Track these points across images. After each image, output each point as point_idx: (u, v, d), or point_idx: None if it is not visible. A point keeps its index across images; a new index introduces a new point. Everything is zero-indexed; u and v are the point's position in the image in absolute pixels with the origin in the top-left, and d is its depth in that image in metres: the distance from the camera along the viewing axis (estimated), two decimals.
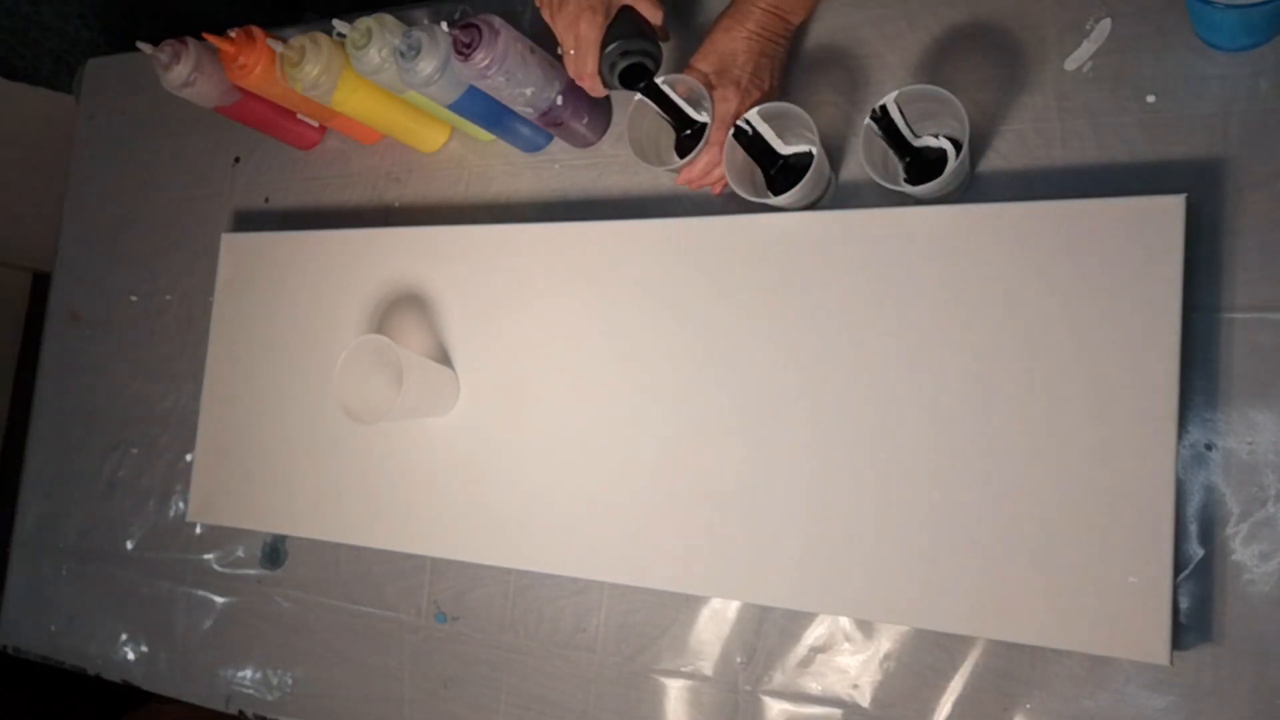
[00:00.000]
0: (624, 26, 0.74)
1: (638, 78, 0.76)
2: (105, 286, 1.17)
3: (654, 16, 0.76)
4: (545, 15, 0.76)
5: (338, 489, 0.93)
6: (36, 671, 1.17)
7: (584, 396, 0.84)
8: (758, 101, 0.77)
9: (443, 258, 0.92)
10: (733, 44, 0.77)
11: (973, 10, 0.78)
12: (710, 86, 0.76)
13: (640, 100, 0.80)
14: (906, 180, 0.75)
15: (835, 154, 0.81)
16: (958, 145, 0.73)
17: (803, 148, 0.79)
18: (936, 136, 0.74)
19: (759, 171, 0.80)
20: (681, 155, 0.80)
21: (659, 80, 0.77)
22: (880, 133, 0.72)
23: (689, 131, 0.82)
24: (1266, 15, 0.64)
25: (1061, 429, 0.68)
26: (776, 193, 0.77)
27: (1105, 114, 0.73)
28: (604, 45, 0.74)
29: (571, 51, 0.75)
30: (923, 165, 0.75)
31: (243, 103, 0.97)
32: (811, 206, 0.80)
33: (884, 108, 0.71)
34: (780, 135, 0.78)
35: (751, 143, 0.77)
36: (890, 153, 0.75)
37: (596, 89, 0.77)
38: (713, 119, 0.75)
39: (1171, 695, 0.66)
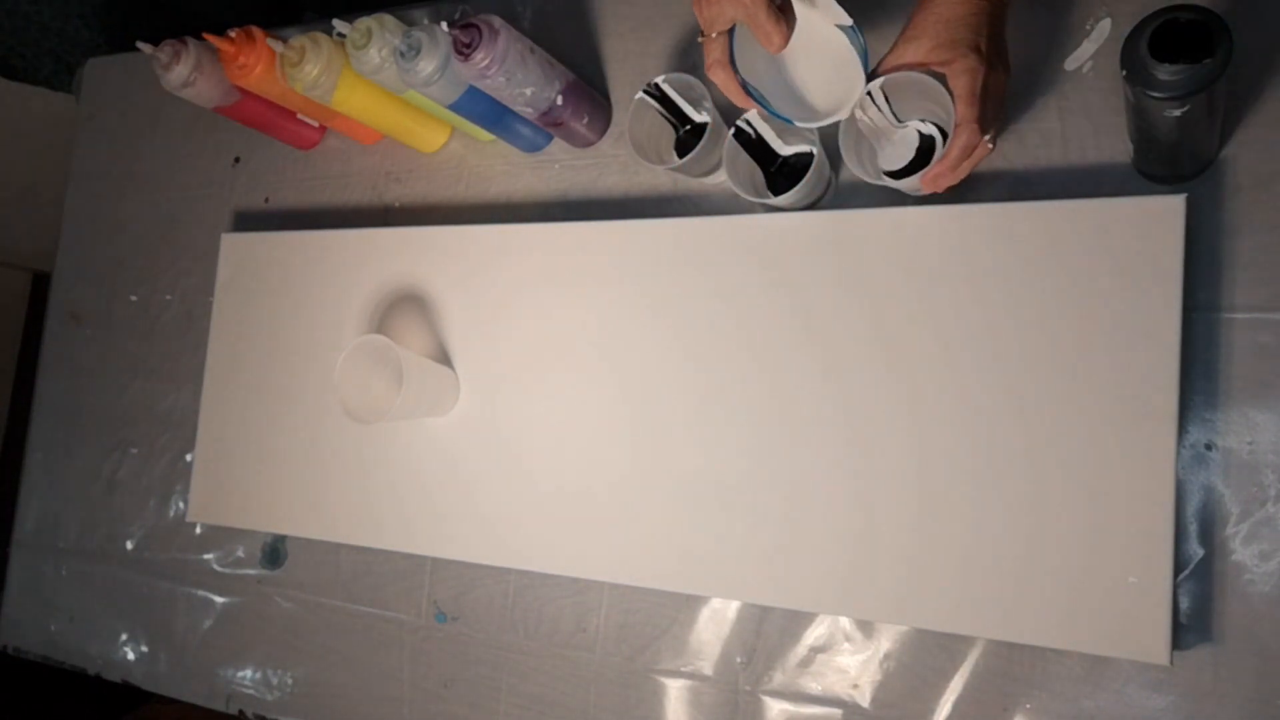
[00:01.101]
0: None
1: None
2: (105, 286, 1.17)
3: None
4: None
5: (338, 489, 0.93)
6: (36, 671, 1.17)
7: (584, 396, 0.84)
8: (1008, 75, 0.66)
9: (443, 258, 0.92)
10: (955, 9, 0.63)
11: None
12: (944, 64, 0.63)
13: (640, 99, 0.80)
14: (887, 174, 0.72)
15: (835, 154, 0.81)
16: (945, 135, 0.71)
17: (803, 148, 0.79)
18: (924, 122, 0.72)
19: (759, 172, 0.80)
20: (681, 154, 0.80)
21: (660, 79, 0.76)
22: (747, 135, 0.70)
23: (688, 128, 0.82)
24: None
25: (1061, 429, 0.68)
26: (777, 193, 0.77)
27: (1105, 114, 0.73)
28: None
29: (714, 37, 0.64)
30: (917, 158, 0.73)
31: (243, 103, 0.97)
32: (812, 206, 0.80)
33: (869, 94, 0.67)
34: (780, 135, 0.78)
35: (751, 143, 0.77)
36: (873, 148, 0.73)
37: (737, 95, 0.67)
38: (957, 98, 0.63)
39: (1171, 695, 0.66)
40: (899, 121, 0.72)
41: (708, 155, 0.78)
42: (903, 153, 0.73)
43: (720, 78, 0.65)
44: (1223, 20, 0.55)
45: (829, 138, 0.75)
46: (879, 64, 0.67)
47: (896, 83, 0.67)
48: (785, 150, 0.79)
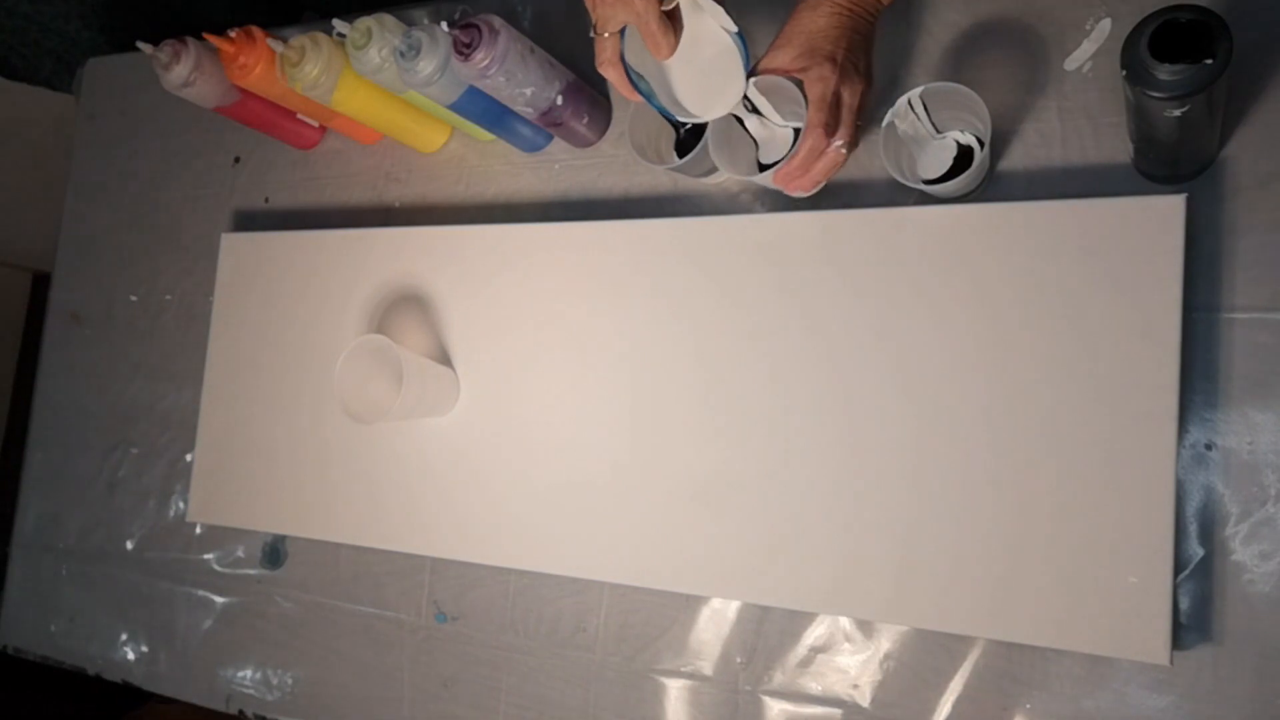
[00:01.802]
0: None
1: None
2: (105, 286, 1.17)
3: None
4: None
5: (338, 489, 0.93)
6: (36, 671, 1.17)
7: (584, 396, 0.84)
8: (865, 87, 0.70)
9: (443, 258, 0.92)
10: (818, 21, 0.68)
11: (972, 10, 0.78)
12: (801, 71, 0.68)
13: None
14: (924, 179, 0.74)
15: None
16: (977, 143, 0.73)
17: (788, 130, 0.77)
18: (963, 132, 0.74)
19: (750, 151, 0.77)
20: (681, 155, 0.80)
21: (903, 100, 0.71)
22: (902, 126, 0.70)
23: (688, 128, 0.82)
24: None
25: (1061, 429, 0.68)
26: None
27: (1105, 114, 0.73)
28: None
29: (607, 36, 0.67)
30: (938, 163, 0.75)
31: (243, 103, 0.97)
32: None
33: (908, 104, 0.70)
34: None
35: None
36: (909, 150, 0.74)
37: (626, 89, 0.70)
38: (809, 102, 0.67)
39: (1171, 695, 0.66)
40: (938, 131, 0.74)
41: (708, 155, 0.78)
42: (944, 159, 0.75)
43: (610, 74, 0.69)
44: (1223, 20, 0.55)
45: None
46: (754, 66, 0.70)
47: (932, 93, 0.69)
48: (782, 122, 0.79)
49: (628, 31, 0.67)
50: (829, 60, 0.67)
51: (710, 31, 0.68)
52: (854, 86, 0.69)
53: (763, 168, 0.75)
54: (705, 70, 0.70)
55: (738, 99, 0.69)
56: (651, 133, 0.82)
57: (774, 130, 0.75)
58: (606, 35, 0.67)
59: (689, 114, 0.70)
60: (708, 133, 0.72)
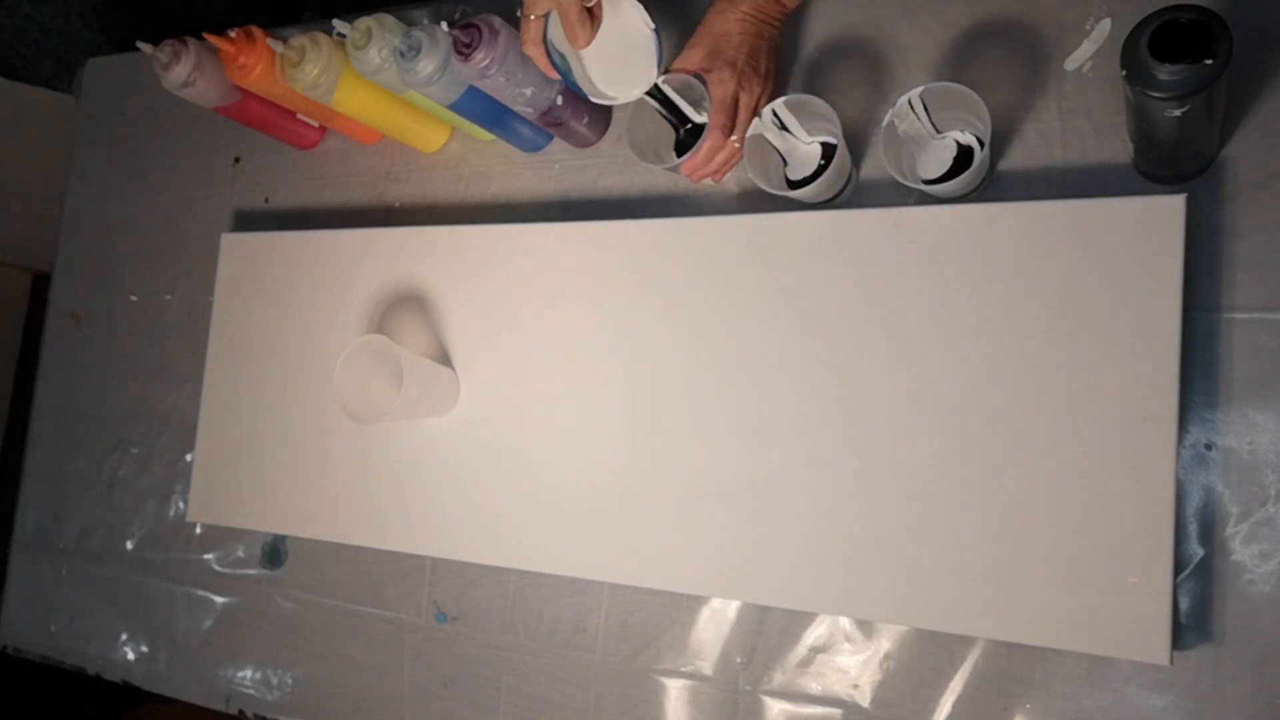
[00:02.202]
0: None
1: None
2: (105, 286, 1.17)
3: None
4: None
5: (338, 489, 0.93)
6: (36, 671, 1.17)
7: (584, 396, 0.84)
8: (763, 89, 0.76)
9: (443, 258, 0.92)
10: (726, 26, 0.75)
11: (972, 10, 0.78)
12: (705, 72, 0.75)
13: (640, 100, 0.80)
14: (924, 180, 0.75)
15: (858, 151, 0.81)
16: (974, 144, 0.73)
17: (826, 139, 0.79)
18: (963, 132, 0.74)
19: (778, 164, 0.80)
20: (681, 154, 0.80)
21: (659, 80, 0.77)
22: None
23: (689, 127, 0.82)
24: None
25: (1061, 429, 0.68)
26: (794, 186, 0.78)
27: (1105, 114, 0.73)
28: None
29: (532, 17, 0.72)
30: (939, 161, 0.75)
31: (243, 103, 0.97)
32: (830, 201, 0.79)
33: (908, 103, 0.70)
34: (804, 126, 0.79)
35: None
36: (910, 150, 0.75)
37: (546, 68, 0.74)
38: (709, 103, 0.74)
39: (1171, 695, 0.66)
40: (938, 131, 0.74)
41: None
42: (943, 159, 0.75)
43: (532, 53, 0.73)
44: (1223, 20, 0.55)
45: (850, 133, 0.79)
46: (669, 65, 0.77)
47: (932, 93, 0.70)
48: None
49: (550, 16, 0.72)
50: (730, 65, 0.74)
51: (630, 25, 0.74)
52: (752, 89, 0.76)
53: (792, 184, 0.80)
54: (621, 58, 0.75)
55: (648, 86, 0.75)
56: (651, 134, 0.82)
57: (795, 144, 0.80)
58: (533, 18, 0.72)
59: (600, 94, 0.76)
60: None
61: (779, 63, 0.81)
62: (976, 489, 0.69)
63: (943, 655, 0.73)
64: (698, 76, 0.76)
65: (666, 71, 0.76)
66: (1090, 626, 0.65)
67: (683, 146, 0.82)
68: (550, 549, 0.83)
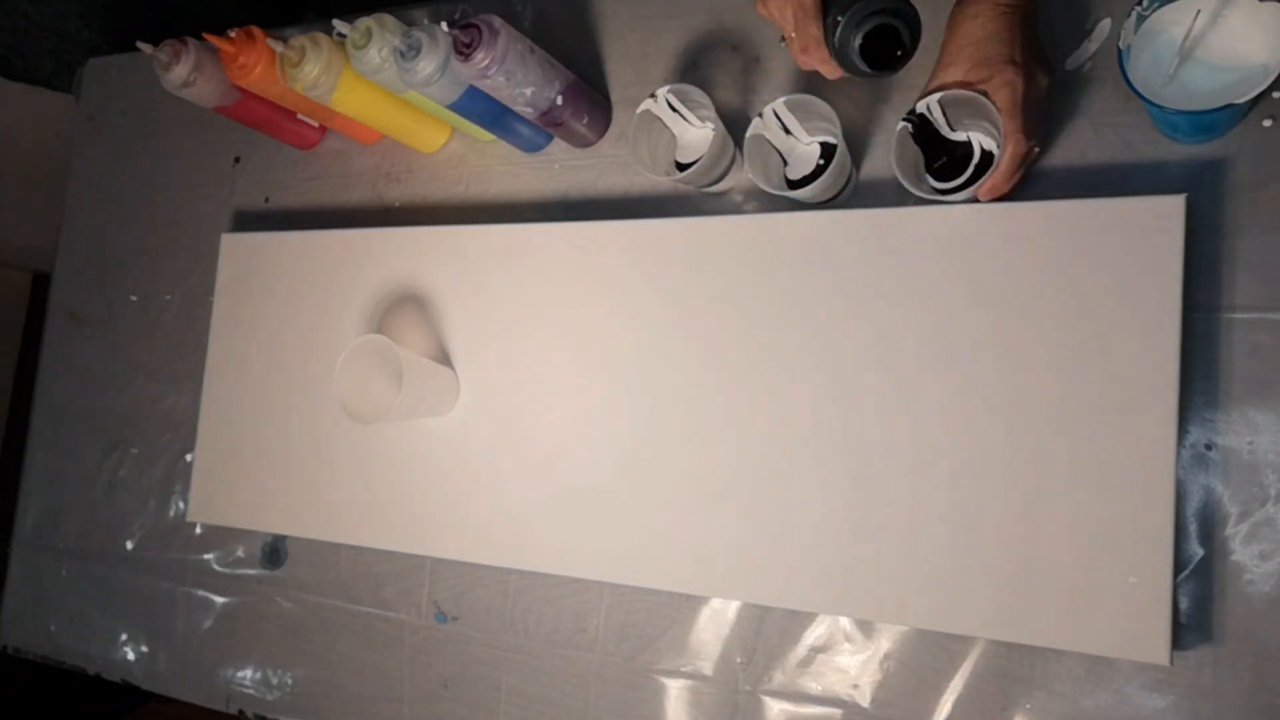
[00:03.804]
0: None
1: (887, 46, 0.65)
2: (105, 286, 1.17)
3: None
4: (758, 8, 0.67)
5: (338, 489, 0.93)
6: (36, 671, 1.17)
7: (584, 396, 0.84)
8: (1049, 77, 0.69)
9: (443, 258, 0.92)
10: (984, 27, 0.66)
11: None
12: (982, 83, 0.66)
13: (644, 111, 0.80)
14: (937, 180, 0.73)
15: (858, 150, 0.81)
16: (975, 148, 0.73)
17: (826, 139, 0.79)
18: (982, 134, 0.74)
19: (778, 164, 0.80)
20: (682, 167, 0.80)
21: (922, 103, 0.68)
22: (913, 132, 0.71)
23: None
24: (1216, 118, 0.64)
25: (1061, 429, 0.68)
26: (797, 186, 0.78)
27: (1105, 114, 0.73)
28: (830, 12, 0.64)
29: (793, 35, 0.65)
30: (951, 162, 0.74)
31: (243, 103, 0.97)
32: (830, 201, 0.79)
33: (927, 109, 0.70)
34: (803, 125, 0.78)
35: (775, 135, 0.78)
36: (919, 155, 0.74)
37: (831, 69, 0.68)
38: (1000, 111, 0.66)
39: (1171, 695, 0.66)
40: (952, 130, 0.73)
41: (712, 165, 0.79)
42: (951, 160, 0.74)
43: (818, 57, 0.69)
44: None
45: (850, 133, 0.78)
46: (924, 90, 0.69)
47: (951, 98, 0.69)
48: (806, 140, 0.80)
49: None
50: (1010, 64, 0.65)
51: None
52: (1039, 81, 0.67)
53: (792, 184, 0.79)
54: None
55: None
56: (653, 143, 0.82)
57: (795, 144, 0.79)
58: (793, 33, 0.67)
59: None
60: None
61: (1042, 46, 0.71)
62: (977, 489, 0.69)
63: (943, 655, 0.73)
64: (976, 91, 0.67)
65: (926, 94, 0.69)
66: (1090, 626, 0.65)
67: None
68: (550, 549, 0.83)
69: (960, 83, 0.67)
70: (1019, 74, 0.65)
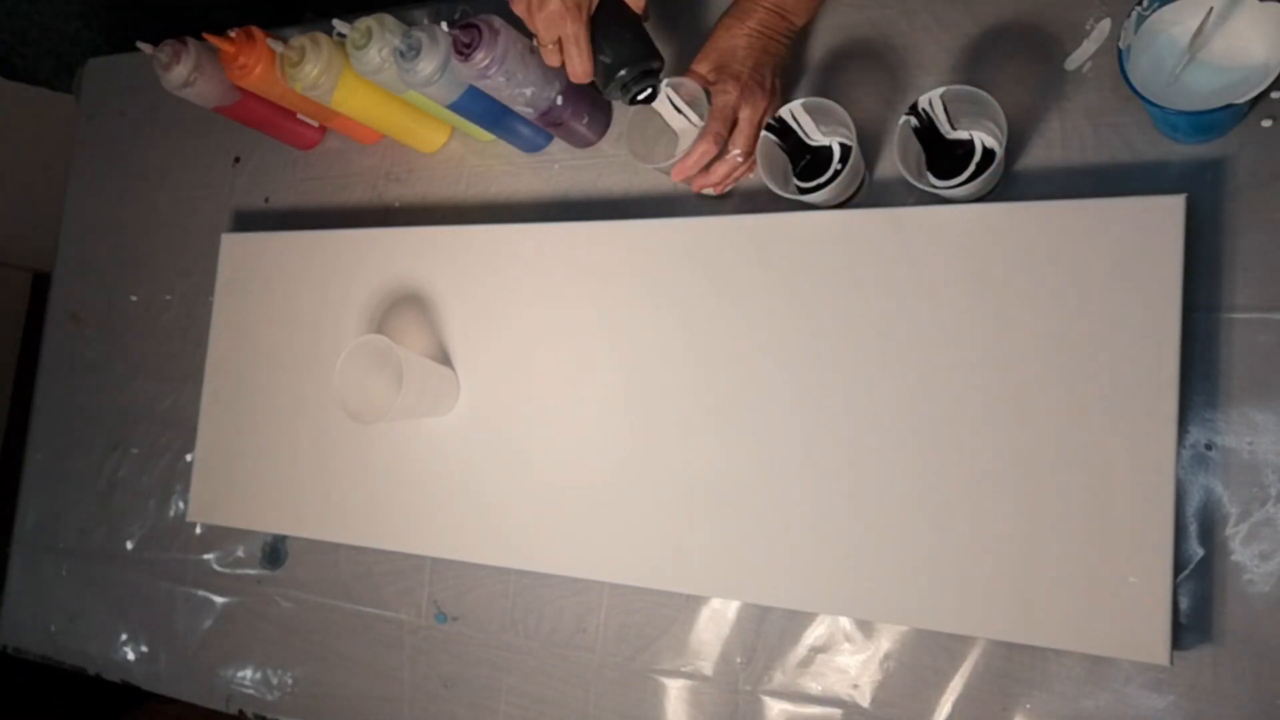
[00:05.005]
0: (614, 29, 0.71)
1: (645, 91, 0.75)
2: (105, 286, 1.17)
3: (636, 3, 0.72)
4: (519, 10, 0.71)
5: (338, 489, 0.93)
6: (36, 671, 1.17)
7: (584, 396, 0.84)
8: (768, 104, 0.77)
9: (443, 258, 0.92)
10: (733, 40, 0.76)
11: (972, 11, 0.78)
12: (710, 83, 0.76)
13: (641, 107, 0.80)
14: (936, 178, 0.74)
15: (871, 152, 0.81)
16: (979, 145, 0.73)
17: (843, 140, 0.79)
18: (970, 133, 0.74)
19: (789, 167, 0.80)
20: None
21: (924, 99, 0.71)
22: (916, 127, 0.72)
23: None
24: (1216, 119, 0.64)
25: (1061, 429, 0.68)
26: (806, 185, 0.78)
27: (1105, 114, 0.73)
28: (598, 50, 0.71)
29: (550, 46, 0.72)
30: (952, 162, 0.74)
31: (243, 103, 0.97)
32: (845, 204, 0.79)
33: (928, 104, 0.70)
34: (818, 127, 0.78)
35: (785, 136, 0.78)
36: (921, 151, 0.74)
37: (579, 76, 0.74)
38: (710, 111, 0.75)
39: (1171, 695, 0.66)
40: (953, 129, 0.74)
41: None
42: (952, 160, 0.74)
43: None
44: None
45: (866, 136, 0.79)
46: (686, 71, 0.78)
47: (955, 94, 0.69)
48: (815, 141, 0.80)
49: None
50: (734, 78, 0.75)
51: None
52: (756, 104, 0.76)
53: (804, 189, 0.80)
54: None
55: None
56: (650, 141, 0.82)
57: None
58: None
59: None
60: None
61: (784, 80, 0.81)
62: (977, 489, 0.69)
63: (943, 655, 0.73)
64: (705, 88, 0.76)
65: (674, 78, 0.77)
66: (1090, 626, 0.65)
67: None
68: (550, 549, 0.83)
69: (700, 76, 0.77)
70: (737, 89, 0.75)
